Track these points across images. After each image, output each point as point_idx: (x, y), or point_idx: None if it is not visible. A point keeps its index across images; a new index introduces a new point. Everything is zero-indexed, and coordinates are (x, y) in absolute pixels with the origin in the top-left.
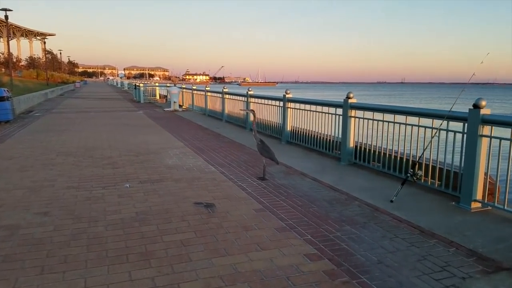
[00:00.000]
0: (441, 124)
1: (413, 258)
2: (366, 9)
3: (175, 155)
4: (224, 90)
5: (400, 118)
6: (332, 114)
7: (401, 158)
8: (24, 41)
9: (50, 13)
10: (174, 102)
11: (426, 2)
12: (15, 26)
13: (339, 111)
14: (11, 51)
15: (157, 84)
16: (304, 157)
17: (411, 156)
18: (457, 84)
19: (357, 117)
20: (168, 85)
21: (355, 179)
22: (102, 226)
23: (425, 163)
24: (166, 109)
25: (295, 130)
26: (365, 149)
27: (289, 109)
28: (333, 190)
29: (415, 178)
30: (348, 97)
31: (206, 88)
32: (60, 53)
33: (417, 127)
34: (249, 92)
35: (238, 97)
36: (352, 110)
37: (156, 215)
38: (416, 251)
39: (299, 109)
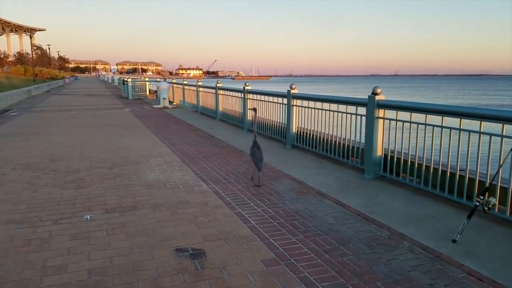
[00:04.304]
0: None
1: None
2: (358, 1)
3: (159, 166)
4: (218, 85)
5: (449, 121)
6: (351, 114)
7: (452, 174)
8: (14, 37)
9: (40, 8)
10: (164, 98)
11: None
12: (4, 21)
13: (361, 110)
14: (0, 47)
15: (146, 79)
16: (316, 168)
17: (467, 173)
18: (452, 76)
19: (387, 119)
20: (158, 80)
21: (392, 202)
22: None
23: (489, 182)
24: (155, 106)
25: (302, 132)
26: (398, 159)
27: (294, 107)
28: (367, 221)
29: (486, 208)
30: (374, 93)
31: (198, 83)
32: (49, 48)
33: (477, 134)
34: (246, 88)
35: (233, 93)
36: (380, 110)
37: (116, 277)
38: None
39: (308, 107)
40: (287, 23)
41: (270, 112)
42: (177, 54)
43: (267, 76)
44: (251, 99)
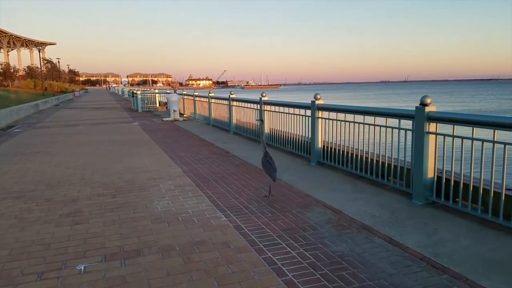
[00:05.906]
0: None
1: None
2: (365, 8)
3: (169, 192)
4: (232, 96)
5: None
6: (392, 127)
7: None
8: (24, 51)
9: (51, 23)
10: (174, 110)
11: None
12: (15, 36)
13: (406, 123)
14: (10, 62)
15: (156, 90)
16: (352, 191)
17: None
18: (463, 81)
19: (440, 134)
20: (167, 91)
21: (457, 239)
22: None
23: None
24: (165, 119)
25: (329, 147)
26: (455, 182)
27: (320, 119)
28: (435, 268)
29: None
30: (424, 104)
31: (210, 94)
32: (59, 62)
33: None
34: (263, 98)
35: (249, 104)
36: (431, 124)
37: None
38: None
39: (336, 120)
40: (298, 31)
41: (290, 124)
42: (187, 65)
43: (277, 85)
44: (269, 110)
